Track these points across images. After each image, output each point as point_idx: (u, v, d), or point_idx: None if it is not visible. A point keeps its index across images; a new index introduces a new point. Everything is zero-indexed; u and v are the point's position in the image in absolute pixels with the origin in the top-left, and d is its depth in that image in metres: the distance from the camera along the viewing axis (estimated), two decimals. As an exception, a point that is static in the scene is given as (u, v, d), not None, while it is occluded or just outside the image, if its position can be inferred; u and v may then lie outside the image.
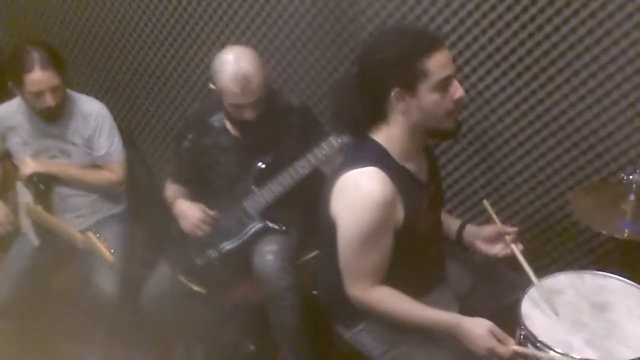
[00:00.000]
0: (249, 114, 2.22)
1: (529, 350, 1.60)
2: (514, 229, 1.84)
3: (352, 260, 1.70)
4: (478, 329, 1.62)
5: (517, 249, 1.80)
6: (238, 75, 2.15)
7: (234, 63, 2.16)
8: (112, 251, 2.21)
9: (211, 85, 2.26)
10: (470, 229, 1.95)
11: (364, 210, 1.63)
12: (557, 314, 1.70)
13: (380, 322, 1.79)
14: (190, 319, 2.44)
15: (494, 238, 1.87)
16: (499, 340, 1.60)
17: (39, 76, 2.33)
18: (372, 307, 1.73)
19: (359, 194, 1.63)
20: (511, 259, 2.33)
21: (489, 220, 1.93)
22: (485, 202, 1.97)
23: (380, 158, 1.67)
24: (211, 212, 2.35)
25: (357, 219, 1.65)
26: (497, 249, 1.85)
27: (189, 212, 2.36)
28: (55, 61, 2.39)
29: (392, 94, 1.61)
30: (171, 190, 2.48)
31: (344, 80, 1.75)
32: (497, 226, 1.87)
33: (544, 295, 1.72)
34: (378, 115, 1.69)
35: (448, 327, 1.67)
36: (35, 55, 2.34)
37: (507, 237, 1.83)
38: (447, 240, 1.99)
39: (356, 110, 1.69)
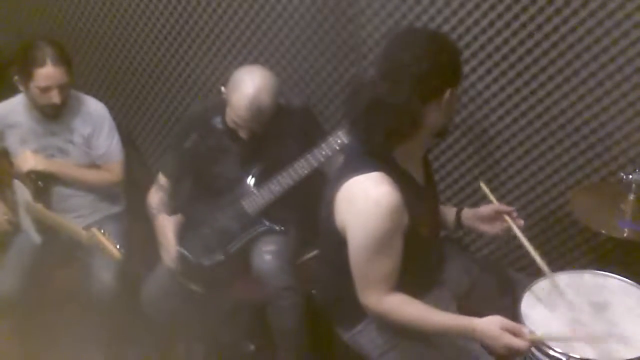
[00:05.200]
0: (243, 134, 2.24)
1: (543, 336, 1.58)
2: (511, 208, 1.83)
3: (367, 269, 1.66)
4: (490, 330, 1.56)
5: (517, 229, 1.79)
6: (254, 105, 2.15)
7: (255, 90, 2.15)
8: (118, 246, 2.17)
9: (222, 89, 2.26)
10: (467, 212, 1.94)
11: (377, 218, 1.59)
12: (556, 313, 1.69)
13: (379, 324, 1.78)
14: (190, 318, 2.44)
15: (493, 217, 1.86)
16: (514, 334, 1.54)
17: (50, 71, 2.33)
18: (386, 316, 1.69)
19: (369, 202, 1.59)
20: (511, 260, 2.33)
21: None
22: (482, 184, 1.96)
23: (383, 161, 1.64)
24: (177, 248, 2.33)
25: (370, 228, 1.60)
26: (498, 228, 1.85)
27: (164, 235, 2.36)
28: (66, 59, 2.39)
29: (447, 93, 1.60)
30: (155, 200, 2.45)
31: (372, 100, 1.60)
32: (494, 205, 1.86)
33: (545, 289, 1.73)
34: (417, 123, 1.61)
35: (462, 332, 1.64)
36: (48, 51, 2.34)
37: (507, 217, 1.81)
38: (446, 230, 1.99)
39: (396, 123, 1.59)
